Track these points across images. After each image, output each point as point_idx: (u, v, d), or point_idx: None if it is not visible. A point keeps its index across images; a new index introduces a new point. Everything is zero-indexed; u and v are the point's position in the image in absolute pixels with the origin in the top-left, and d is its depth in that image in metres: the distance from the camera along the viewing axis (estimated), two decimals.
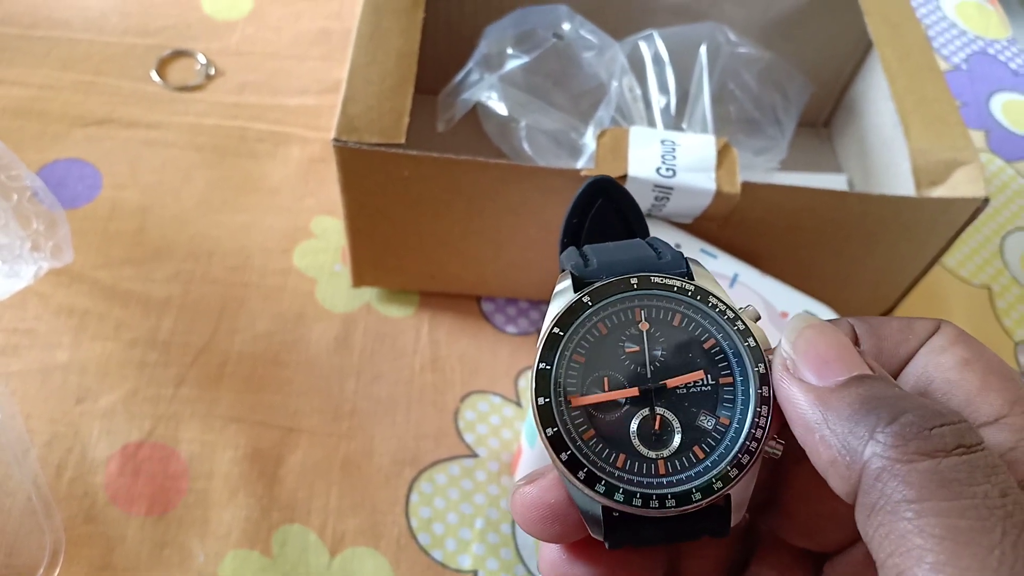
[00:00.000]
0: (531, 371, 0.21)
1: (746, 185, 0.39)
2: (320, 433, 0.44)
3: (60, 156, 0.53)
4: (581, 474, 0.20)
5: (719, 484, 0.20)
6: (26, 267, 0.42)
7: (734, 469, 0.20)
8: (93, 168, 0.52)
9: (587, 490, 0.20)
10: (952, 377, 0.19)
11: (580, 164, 0.46)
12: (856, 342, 0.21)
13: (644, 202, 0.40)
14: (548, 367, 0.21)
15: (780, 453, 0.21)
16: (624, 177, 0.39)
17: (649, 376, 0.21)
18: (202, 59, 0.58)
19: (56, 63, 0.57)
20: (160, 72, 0.58)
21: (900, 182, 0.45)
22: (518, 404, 0.46)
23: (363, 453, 0.43)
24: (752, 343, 0.21)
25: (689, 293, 0.21)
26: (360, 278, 0.48)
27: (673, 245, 0.40)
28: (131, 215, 0.51)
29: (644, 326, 0.22)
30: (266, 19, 0.62)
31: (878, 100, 0.51)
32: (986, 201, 0.41)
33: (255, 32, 0.61)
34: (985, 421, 0.19)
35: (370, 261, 0.46)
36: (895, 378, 0.21)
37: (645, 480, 0.20)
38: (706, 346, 0.21)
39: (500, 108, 0.46)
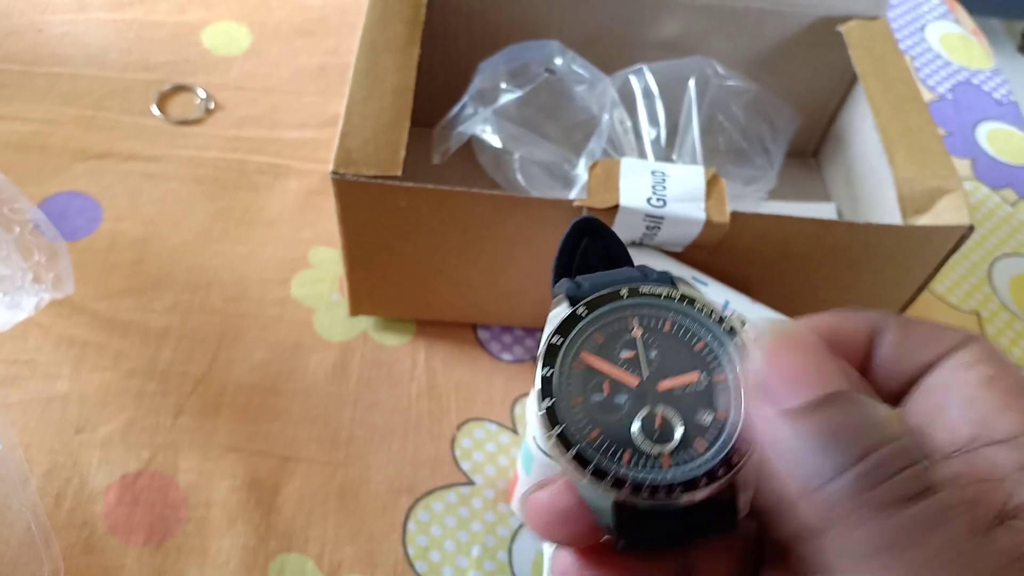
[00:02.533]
0: (535, 378, 0.22)
1: (735, 214, 0.40)
2: (317, 462, 0.44)
3: (61, 189, 0.54)
4: (589, 469, 0.21)
5: (723, 471, 0.21)
6: (27, 298, 0.42)
7: (736, 456, 0.21)
8: (94, 201, 0.53)
9: (595, 485, 0.21)
10: (974, 394, 0.20)
11: (573, 195, 0.47)
12: (871, 338, 0.22)
13: (635, 231, 0.41)
14: (551, 372, 0.22)
15: None
16: (616, 207, 0.40)
17: (646, 378, 0.22)
18: (202, 94, 0.60)
19: (57, 98, 0.58)
20: (160, 106, 0.59)
21: (887, 210, 0.46)
22: (514, 431, 0.46)
23: (360, 481, 0.44)
24: (739, 342, 0.22)
25: (676, 299, 0.23)
26: (357, 307, 0.49)
27: None
28: (131, 247, 0.51)
29: (637, 332, 0.23)
30: (265, 55, 0.63)
31: (864, 130, 0.52)
32: (971, 228, 0.42)
33: (254, 67, 0.62)
34: (999, 439, 0.19)
35: (367, 290, 0.47)
36: (911, 383, 0.21)
37: (651, 475, 0.21)
38: (697, 348, 0.23)
39: (494, 141, 0.47)
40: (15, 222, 0.44)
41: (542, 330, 0.50)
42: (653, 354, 0.22)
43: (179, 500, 0.42)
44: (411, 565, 0.41)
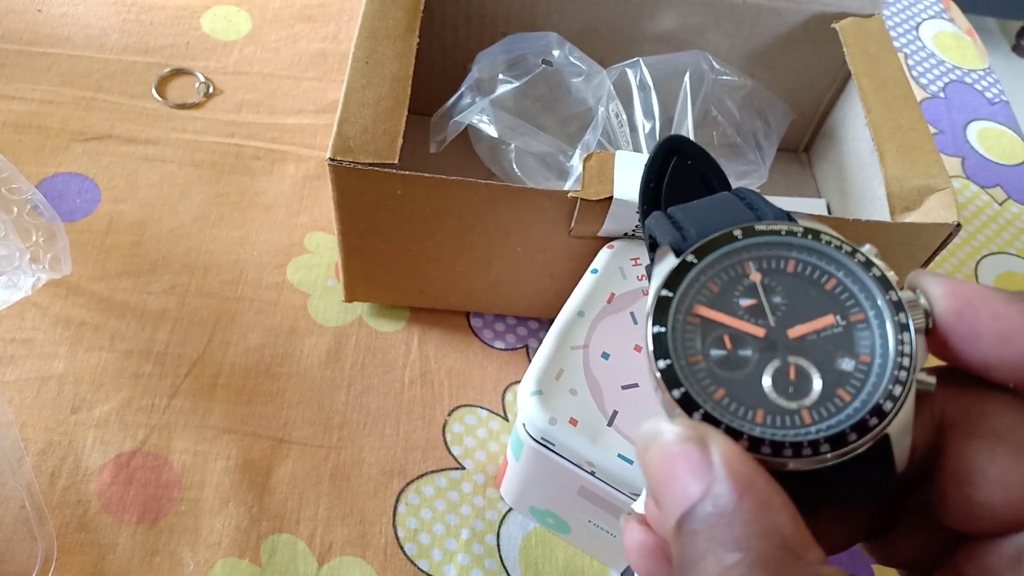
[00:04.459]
0: (645, 335, 0.20)
1: None
2: (310, 444, 0.45)
3: (60, 170, 0.54)
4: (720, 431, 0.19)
5: (874, 420, 0.18)
6: (25, 278, 0.43)
7: (887, 402, 0.18)
8: (92, 182, 0.54)
9: None
10: None
11: (567, 186, 0.48)
12: None
13: (629, 224, 0.41)
14: (663, 330, 0.20)
15: (934, 385, 0.19)
16: (609, 199, 0.40)
17: (773, 326, 0.20)
18: (201, 77, 0.60)
19: (57, 79, 0.58)
20: (159, 90, 0.59)
21: (876, 207, 0.46)
22: (505, 418, 0.47)
23: (352, 464, 0.44)
24: (877, 272, 0.20)
25: (799, 235, 0.20)
26: (352, 293, 0.49)
27: None
28: (129, 229, 0.52)
29: (756, 277, 0.20)
30: (264, 40, 0.63)
31: (856, 127, 0.52)
32: (958, 226, 0.43)
33: (253, 52, 0.62)
34: None
35: (362, 277, 0.48)
36: None
37: (791, 432, 0.19)
38: (828, 287, 0.20)
39: (491, 131, 0.47)
40: (13, 202, 0.44)
41: (534, 320, 0.51)
42: (778, 299, 0.20)
43: (173, 480, 0.43)
44: (401, 547, 0.42)
